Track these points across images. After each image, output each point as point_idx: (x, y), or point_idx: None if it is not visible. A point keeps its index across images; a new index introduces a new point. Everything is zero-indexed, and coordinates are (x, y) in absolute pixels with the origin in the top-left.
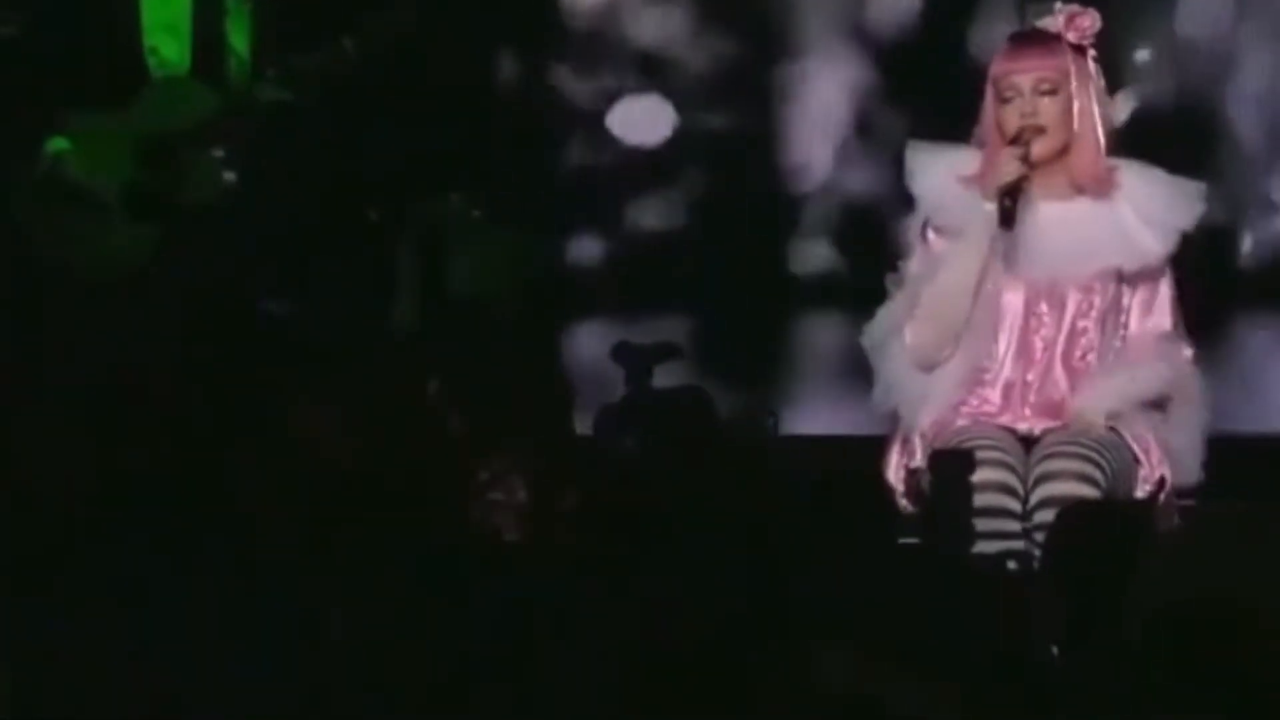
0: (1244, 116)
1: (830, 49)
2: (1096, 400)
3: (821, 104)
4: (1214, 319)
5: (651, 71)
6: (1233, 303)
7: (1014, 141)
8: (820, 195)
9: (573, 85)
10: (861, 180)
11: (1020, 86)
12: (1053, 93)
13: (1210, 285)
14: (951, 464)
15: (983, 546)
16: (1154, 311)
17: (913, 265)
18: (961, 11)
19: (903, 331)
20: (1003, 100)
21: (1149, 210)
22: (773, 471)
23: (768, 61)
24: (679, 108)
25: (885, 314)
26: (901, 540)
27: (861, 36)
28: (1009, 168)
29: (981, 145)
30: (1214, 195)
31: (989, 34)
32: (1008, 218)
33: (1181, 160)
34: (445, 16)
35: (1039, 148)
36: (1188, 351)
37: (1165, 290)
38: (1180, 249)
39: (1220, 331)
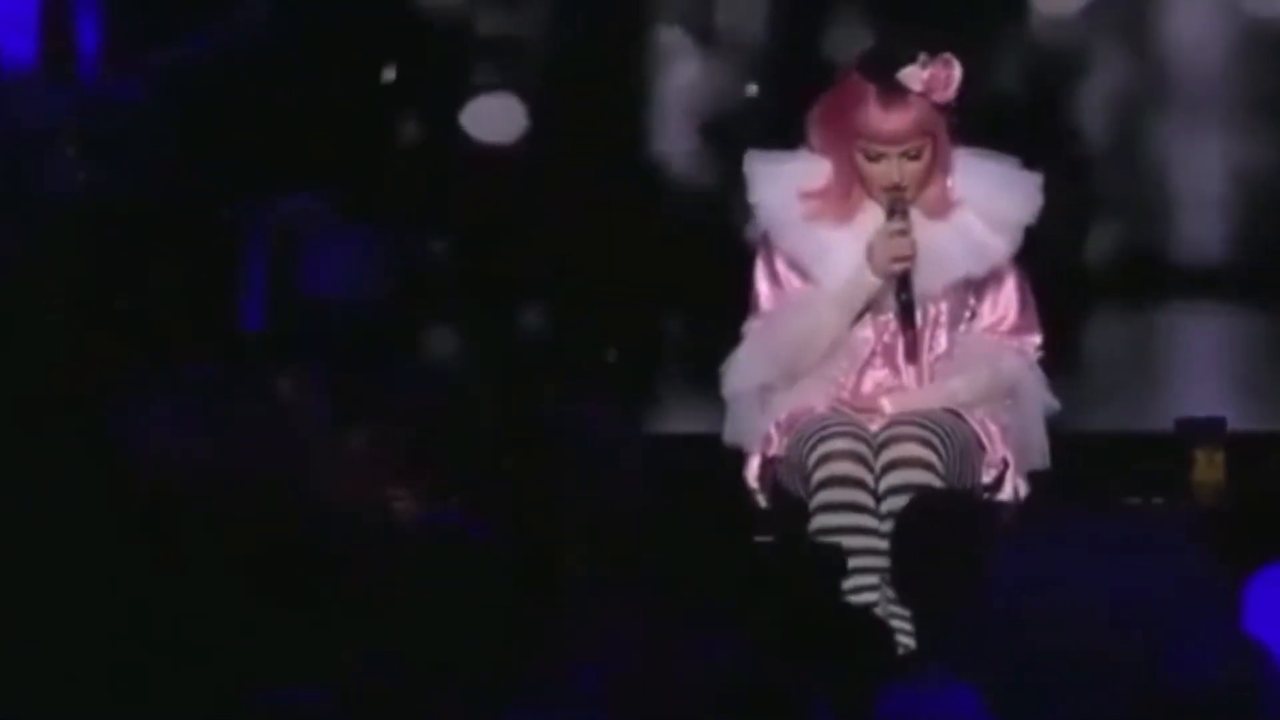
0: (1095, 113)
1: (687, 46)
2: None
3: (678, 99)
4: (1064, 317)
5: (506, 68)
6: (1082, 301)
7: (890, 214)
8: (681, 191)
9: (428, 82)
10: (722, 176)
11: (888, 152)
12: (917, 158)
13: (1060, 283)
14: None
15: (836, 539)
16: (1000, 306)
17: (760, 289)
18: (819, 12)
19: (755, 372)
20: (868, 158)
21: (992, 214)
22: (636, 472)
23: (625, 58)
24: (533, 105)
25: (744, 357)
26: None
27: (719, 33)
28: (899, 247)
29: (822, 153)
30: (1066, 191)
31: (845, 36)
32: (909, 316)
33: (1030, 155)
34: (300, 14)
35: (903, 205)
36: (1035, 339)
37: (1010, 284)
38: (1028, 244)
39: (1072, 329)
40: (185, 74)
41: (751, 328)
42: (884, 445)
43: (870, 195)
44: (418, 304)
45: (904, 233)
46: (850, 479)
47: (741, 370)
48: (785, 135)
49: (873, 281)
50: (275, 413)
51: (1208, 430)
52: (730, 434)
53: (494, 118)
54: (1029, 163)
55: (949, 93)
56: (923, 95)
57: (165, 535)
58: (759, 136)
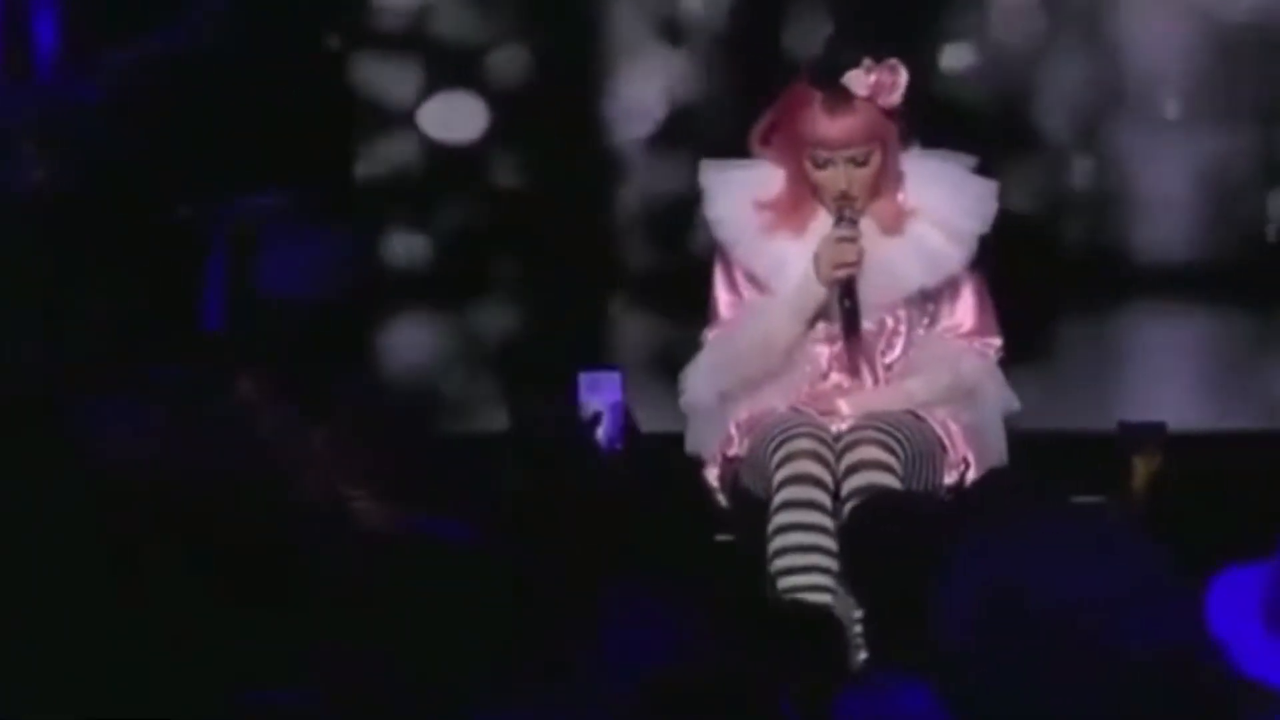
0: (1050, 113)
1: (647, 45)
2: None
3: (637, 100)
4: (1020, 317)
5: (464, 68)
6: (1045, 300)
7: (838, 221)
8: (640, 190)
9: (386, 82)
10: (684, 174)
11: (834, 158)
12: (864, 164)
13: (1024, 282)
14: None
15: (793, 538)
16: (957, 312)
17: (719, 297)
18: (777, 10)
19: (714, 381)
20: (816, 165)
21: (947, 223)
22: (601, 471)
23: (582, 58)
24: (492, 105)
25: (702, 366)
26: (719, 538)
27: (679, 33)
28: (843, 253)
29: (773, 162)
30: (1027, 190)
31: (805, 31)
32: (852, 323)
33: (992, 156)
34: (258, 13)
35: (852, 213)
36: (995, 341)
37: (967, 290)
38: (991, 245)
39: (1027, 328)
40: (143, 73)
41: (709, 337)
42: (845, 449)
43: (823, 204)
44: (378, 303)
45: (850, 239)
46: (811, 478)
47: (700, 380)
48: (747, 134)
49: (819, 288)
50: (237, 413)
51: (1146, 434)
52: (691, 443)
53: (454, 117)
54: (985, 164)
55: (894, 97)
56: (868, 100)
57: (131, 537)
58: (722, 134)
